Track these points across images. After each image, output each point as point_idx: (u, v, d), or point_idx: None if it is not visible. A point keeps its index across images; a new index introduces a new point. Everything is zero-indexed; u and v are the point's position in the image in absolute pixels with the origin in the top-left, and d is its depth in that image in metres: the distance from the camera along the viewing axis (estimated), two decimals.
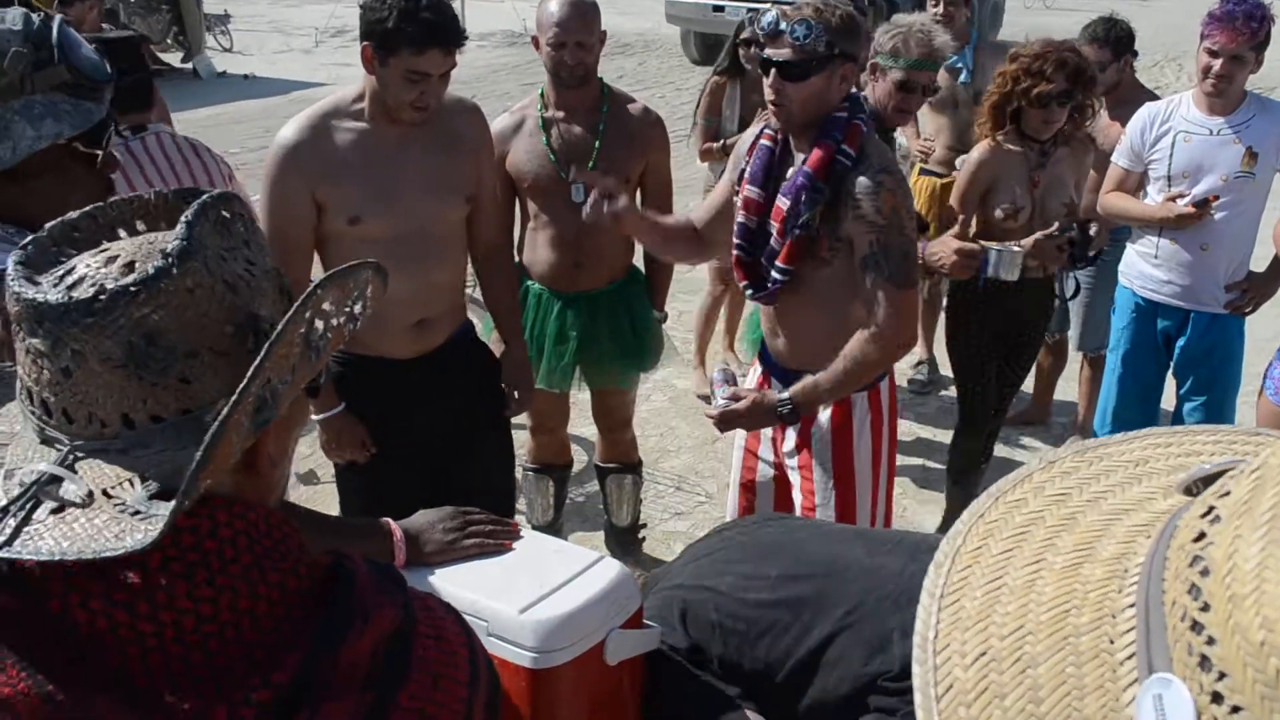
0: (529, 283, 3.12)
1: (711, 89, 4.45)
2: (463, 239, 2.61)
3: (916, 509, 3.94)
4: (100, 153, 1.63)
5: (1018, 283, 3.20)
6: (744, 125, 4.15)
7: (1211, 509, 0.50)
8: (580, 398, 3.50)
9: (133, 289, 0.75)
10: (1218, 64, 3.21)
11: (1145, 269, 3.52)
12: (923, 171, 4.42)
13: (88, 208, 0.84)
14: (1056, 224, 3.17)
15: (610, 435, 3.48)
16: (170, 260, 0.77)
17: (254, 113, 9.72)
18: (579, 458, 3.84)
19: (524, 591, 1.59)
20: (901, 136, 4.36)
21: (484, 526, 1.71)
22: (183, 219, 0.80)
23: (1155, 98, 3.87)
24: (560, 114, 2.99)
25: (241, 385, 0.75)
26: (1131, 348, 3.62)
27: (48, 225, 0.83)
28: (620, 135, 3.00)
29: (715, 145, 4.43)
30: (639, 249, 3.24)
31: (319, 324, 0.83)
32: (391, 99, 2.31)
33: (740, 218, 2.46)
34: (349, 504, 2.74)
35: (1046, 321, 3.61)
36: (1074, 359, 4.39)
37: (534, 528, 2.90)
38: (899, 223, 2.25)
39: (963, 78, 4.49)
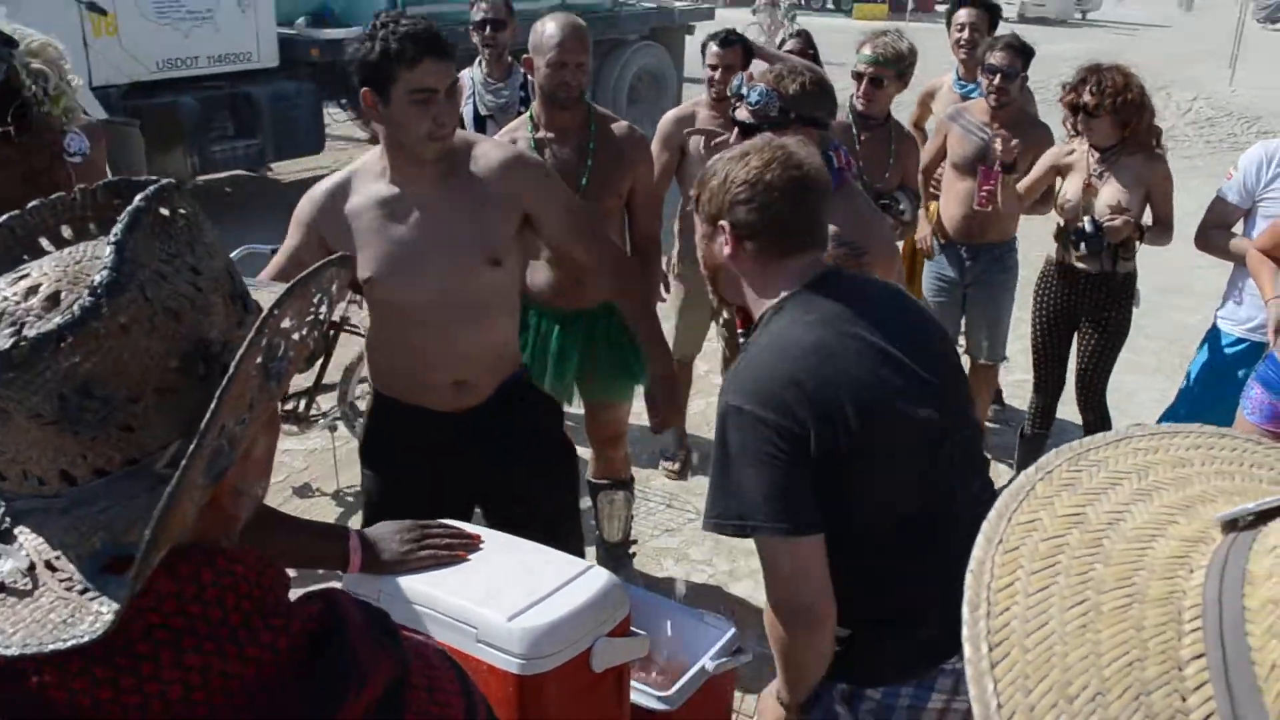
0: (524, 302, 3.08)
1: None
2: (501, 298, 2.39)
3: None
4: (9, 127, 1.51)
5: (1078, 273, 3.73)
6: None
7: None
8: (572, 413, 3.52)
9: (57, 336, 0.64)
10: None
11: (1252, 312, 3.34)
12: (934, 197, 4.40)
13: (2, 218, 0.73)
14: None
15: (604, 451, 3.50)
16: (99, 296, 0.65)
17: None
18: None
19: (513, 599, 1.62)
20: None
21: (440, 540, 1.76)
22: (111, 238, 0.68)
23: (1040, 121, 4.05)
24: (551, 135, 3.02)
25: (191, 448, 0.65)
26: (1231, 387, 3.39)
27: None
28: (610, 153, 3.05)
29: None
30: None
31: (280, 345, 0.72)
32: (409, 138, 2.17)
33: None
34: None
35: (1104, 314, 3.76)
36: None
37: None
38: None
39: None
